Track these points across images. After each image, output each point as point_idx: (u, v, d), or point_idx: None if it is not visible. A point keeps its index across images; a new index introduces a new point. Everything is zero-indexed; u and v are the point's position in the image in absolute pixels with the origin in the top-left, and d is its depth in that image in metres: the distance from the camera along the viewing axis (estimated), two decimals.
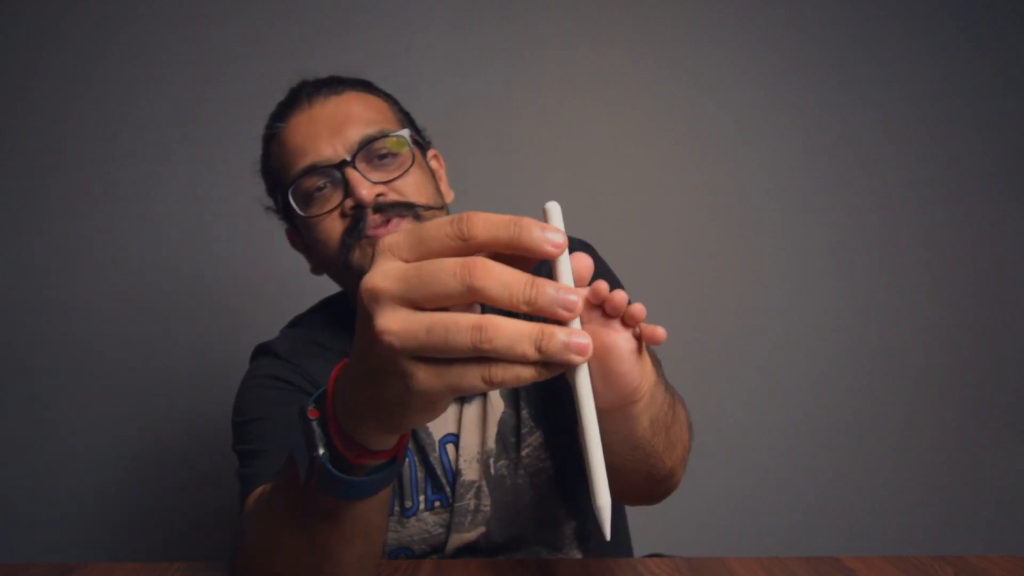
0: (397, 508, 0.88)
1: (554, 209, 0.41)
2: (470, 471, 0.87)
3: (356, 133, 0.84)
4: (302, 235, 0.92)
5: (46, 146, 1.63)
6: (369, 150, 0.84)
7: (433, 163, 0.95)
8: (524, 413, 0.88)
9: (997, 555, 0.74)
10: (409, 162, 0.86)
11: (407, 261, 0.39)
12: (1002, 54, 1.71)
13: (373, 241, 0.83)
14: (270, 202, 0.96)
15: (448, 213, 0.92)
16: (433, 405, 0.42)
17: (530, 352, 0.37)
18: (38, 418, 1.64)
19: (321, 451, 0.48)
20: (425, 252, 0.39)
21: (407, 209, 0.84)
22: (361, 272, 0.84)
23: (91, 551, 1.63)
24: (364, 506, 0.54)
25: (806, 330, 1.70)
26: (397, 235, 0.40)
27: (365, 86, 0.92)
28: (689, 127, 1.70)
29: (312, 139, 0.85)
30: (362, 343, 0.41)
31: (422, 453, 0.87)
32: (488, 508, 0.87)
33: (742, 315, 1.70)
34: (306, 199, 0.86)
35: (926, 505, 1.71)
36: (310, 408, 0.49)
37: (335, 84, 0.90)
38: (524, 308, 0.37)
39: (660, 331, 0.50)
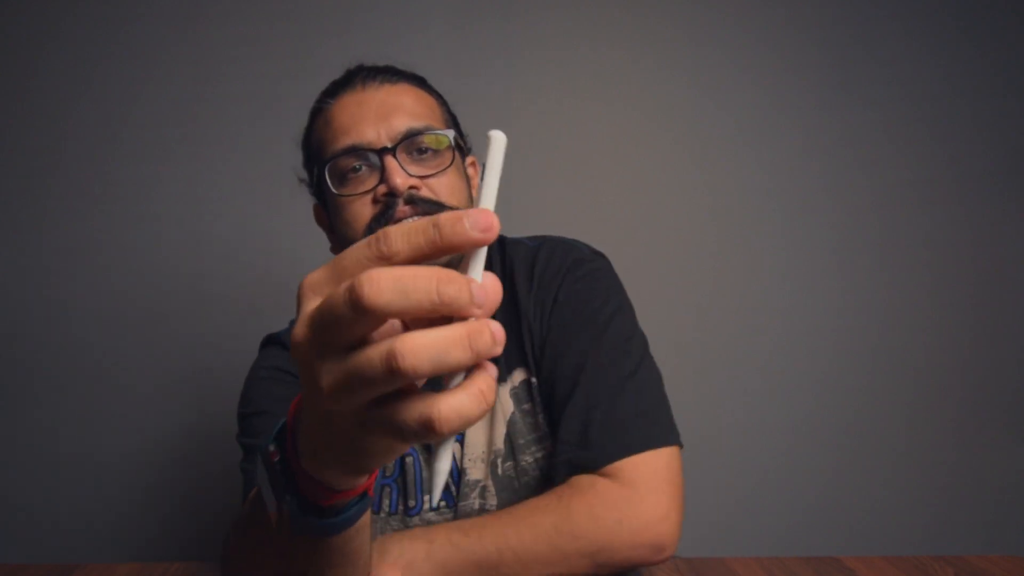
0: (401, 507, 0.88)
1: (498, 140, 0.36)
2: (475, 470, 0.87)
3: (402, 123, 0.85)
4: (329, 213, 0.92)
5: (46, 146, 1.63)
6: (411, 143, 0.85)
7: (470, 170, 0.96)
8: (540, 419, 0.88)
9: (997, 555, 0.75)
10: (448, 163, 0.87)
11: None
12: (1002, 54, 1.71)
13: None
14: (304, 175, 0.96)
15: None
16: (389, 450, 0.40)
17: (464, 357, 0.33)
18: (38, 418, 1.64)
19: (287, 497, 0.46)
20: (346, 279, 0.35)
21: (436, 208, 0.85)
22: None
23: (91, 551, 1.63)
24: (343, 535, 0.52)
25: (806, 330, 1.70)
26: (317, 271, 0.37)
27: (420, 82, 0.93)
28: (689, 127, 1.70)
29: (358, 120, 0.86)
30: (305, 391, 0.39)
31: (428, 452, 0.87)
32: (494, 509, 0.87)
33: (742, 315, 1.70)
34: (341, 178, 0.86)
35: (926, 505, 1.70)
36: (272, 449, 0.46)
37: (391, 73, 0.91)
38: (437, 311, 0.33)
39: None
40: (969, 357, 1.71)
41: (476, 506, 0.87)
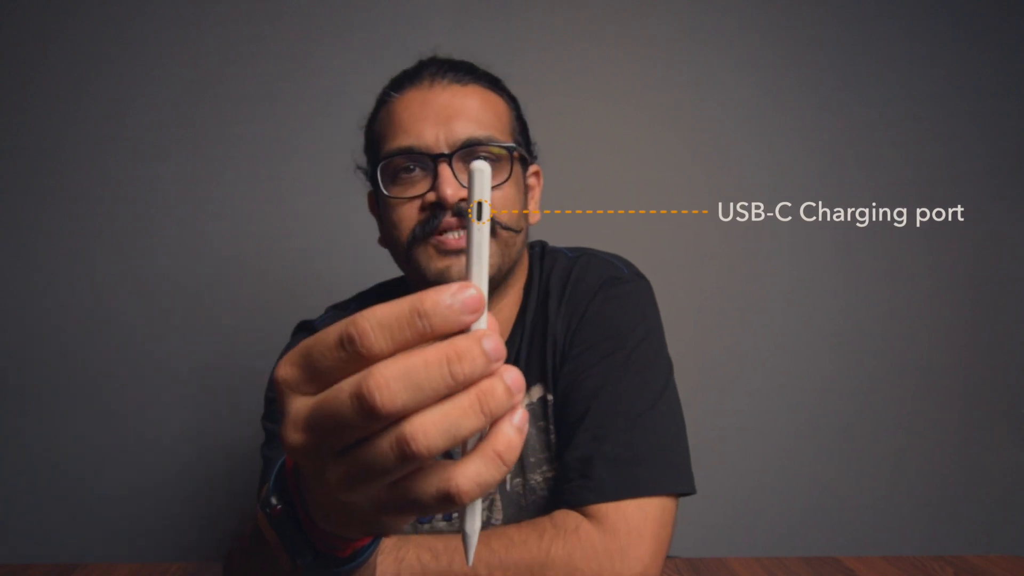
0: None
1: (482, 172, 0.33)
2: None
3: (464, 130, 0.82)
4: (379, 207, 0.90)
5: (46, 146, 1.63)
6: (470, 151, 0.83)
7: (531, 179, 0.94)
8: (553, 438, 0.87)
9: (997, 555, 0.74)
10: (505, 176, 0.84)
11: (313, 393, 0.33)
12: (1002, 54, 1.71)
13: (440, 245, 0.82)
14: (363, 160, 0.95)
15: (528, 236, 0.91)
16: (411, 519, 0.38)
17: (478, 423, 0.31)
18: (37, 418, 1.64)
19: (307, 557, 0.43)
20: (325, 381, 0.32)
21: None
22: (418, 269, 0.83)
23: (91, 551, 1.63)
24: (357, 572, 0.50)
25: (806, 330, 1.70)
26: (287, 365, 0.34)
27: (492, 83, 0.90)
28: (689, 127, 1.70)
29: (419, 120, 0.83)
30: (312, 483, 0.38)
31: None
32: (500, 523, 0.87)
33: (743, 315, 1.70)
34: (393, 177, 0.84)
35: (926, 505, 1.70)
36: (275, 503, 0.43)
37: (462, 72, 0.87)
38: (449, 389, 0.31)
39: None
40: (969, 358, 1.71)
41: (484, 517, 0.86)
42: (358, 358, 0.31)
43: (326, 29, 1.64)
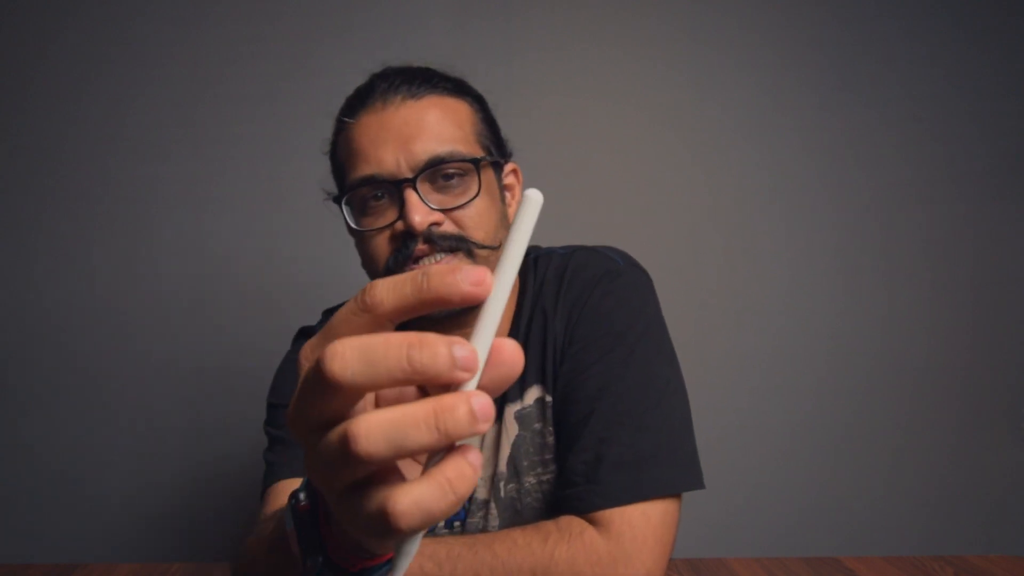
0: None
1: (534, 200, 0.32)
2: (481, 490, 0.86)
3: (424, 149, 0.78)
4: (353, 238, 0.88)
5: (46, 146, 1.63)
6: (435, 171, 0.79)
7: (509, 179, 0.90)
8: (550, 440, 0.86)
9: (997, 555, 0.75)
10: (474, 192, 0.81)
11: None
12: (1002, 54, 1.71)
13: None
14: (331, 184, 0.92)
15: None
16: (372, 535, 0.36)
17: (429, 438, 0.28)
18: (37, 418, 1.64)
19: (318, 558, 0.42)
20: None
21: (459, 244, 0.79)
22: None
23: (91, 551, 1.63)
24: None
25: (806, 330, 1.70)
26: (314, 337, 0.33)
27: (450, 88, 0.85)
28: (689, 127, 1.70)
29: (378, 146, 0.79)
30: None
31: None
32: (496, 529, 0.87)
33: (742, 315, 1.70)
34: (361, 207, 0.81)
35: (926, 505, 1.71)
36: (303, 500, 0.43)
37: (416, 85, 0.82)
38: (408, 381, 0.29)
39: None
40: (969, 357, 1.71)
41: (480, 525, 0.86)
42: (363, 309, 0.31)
43: (326, 29, 1.64)
